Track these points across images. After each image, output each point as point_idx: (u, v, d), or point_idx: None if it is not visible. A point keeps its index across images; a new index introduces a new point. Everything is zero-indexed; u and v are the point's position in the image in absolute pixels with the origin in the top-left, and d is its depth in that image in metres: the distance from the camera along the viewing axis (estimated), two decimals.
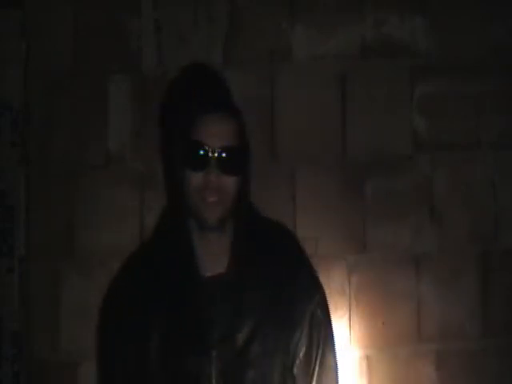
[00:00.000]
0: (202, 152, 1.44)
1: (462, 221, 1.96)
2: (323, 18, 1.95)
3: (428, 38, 1.97)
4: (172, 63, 1.93)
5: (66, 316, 1.88)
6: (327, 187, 1.93)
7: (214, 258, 1.50)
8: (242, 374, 1.45)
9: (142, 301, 1.50)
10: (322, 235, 1.90)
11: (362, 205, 1.93)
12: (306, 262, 1.57)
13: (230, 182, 1.46)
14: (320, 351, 1.50)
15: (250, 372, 1.45)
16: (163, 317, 1.47)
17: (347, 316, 1.91)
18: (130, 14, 1.93)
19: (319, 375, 1.50)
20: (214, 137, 1.44)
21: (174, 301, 1.48)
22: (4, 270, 1.87)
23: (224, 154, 1.44)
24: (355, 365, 1.91)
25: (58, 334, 1.87)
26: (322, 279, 1.57)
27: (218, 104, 1.52)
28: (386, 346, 1.91)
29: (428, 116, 1.97)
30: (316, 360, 1.50)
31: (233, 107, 1.53)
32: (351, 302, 1.91)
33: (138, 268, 1.57)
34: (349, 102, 1.94)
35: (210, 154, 1.43)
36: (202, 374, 1.44)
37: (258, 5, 1.94)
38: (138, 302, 1.50)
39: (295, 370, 1.49)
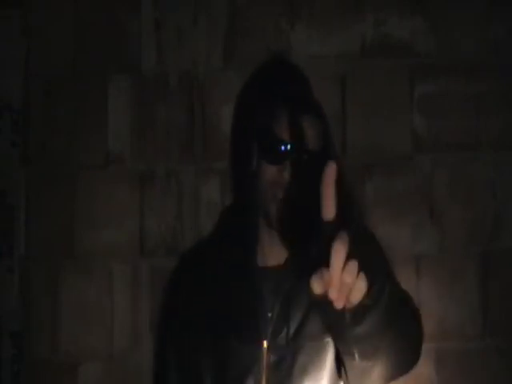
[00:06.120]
0: (282, 149, 1.42)
1: (461, 221, 1.96)
2: (323, 18, 1.95)
3: (428, 38, 1.97)
4: (172, 63, 1.93)
5: (66, 316, 1.88)
6: None
7: (276, 253, 1.48)
8: (293, 360, 1.42)
9: (197, 294, 1.50)
10: None
11: (362, 205, 1.93)
12: None
13: None
14: None
15: (301, 357, 1.42)
16: (215, 309, 1.46)
17: None
18: (129, 13, 1.93)
19: None
20: (297, 137, 1.42)
21: (226, 291, 1.47)
22: (4, 270, 1.87)
23: (304, 157, 1.42)
24: None
25: (58, 334, 1.87)
26: None
27: (305, 102, 1.50)
28: None
29: (428, 116, 1.97)
30: None
31: (319, 109, 1.50)
32: None
33: (195, 261, 1.57)
34: (349, 102, 1.94)
35: (291, 153, 1.42)
36: (253, 365, 1.42)
37: (257, 5, 1.94)
38: (193, 296, 1.50)
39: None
